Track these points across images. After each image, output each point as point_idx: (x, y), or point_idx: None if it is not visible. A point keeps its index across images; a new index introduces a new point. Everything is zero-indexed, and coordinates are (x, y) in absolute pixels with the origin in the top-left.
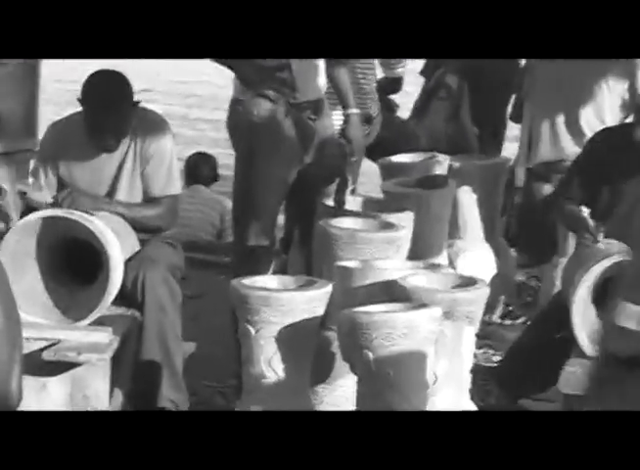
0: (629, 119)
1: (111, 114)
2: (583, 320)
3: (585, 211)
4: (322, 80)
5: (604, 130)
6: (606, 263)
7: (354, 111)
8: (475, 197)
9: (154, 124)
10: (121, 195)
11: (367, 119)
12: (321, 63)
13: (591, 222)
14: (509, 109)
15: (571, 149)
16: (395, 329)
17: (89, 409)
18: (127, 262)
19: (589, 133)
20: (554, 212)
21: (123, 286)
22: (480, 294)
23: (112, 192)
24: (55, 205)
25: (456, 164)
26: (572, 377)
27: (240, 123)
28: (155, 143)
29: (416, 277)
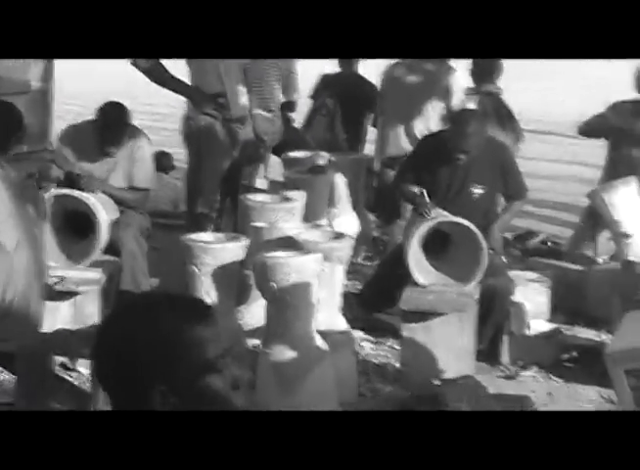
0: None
1: (112, 131)
2: (415, 260)
3: (423, 192)
4: (245, 102)
5: (427, 135)
6: (430, 224)
7: (258, 111)
8: (345, 180)
9: (139, 137)
10: (114, 181)
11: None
12: (244, 90)
13: (427, 200)
14: (370, 120)
15: (408, 147)
16: (291, 268)
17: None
18: (111, 225)
19: (419, 137)
20: (397, 191)
21: (108, 241)
22: (347, 244)
23: (108, 179)
24: (72, 181)
25: (333, 159)
26: (409, 298)
27: (191, 132)
28: (140, 150)
29: (305, 233)
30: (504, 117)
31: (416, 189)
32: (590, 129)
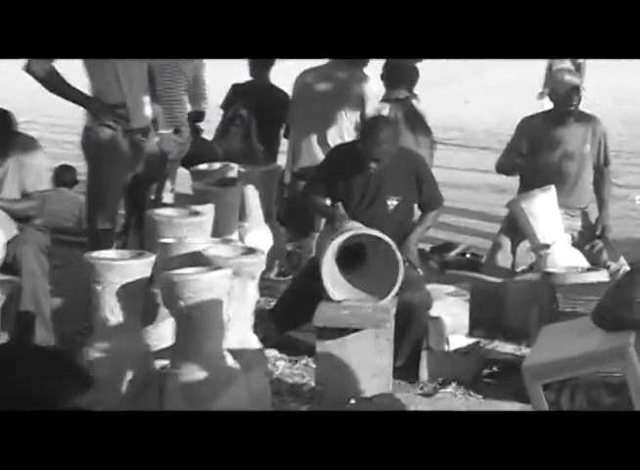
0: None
1: None
2: (329, 275)
3: (339, 205)
4: (148, 112)
5: (339, 145)
6: (343, 236)
7: (165, 131)
8: (257, 192)
9: (30, 145)
10: (6, 193)
11: (176, 131)
12: (147, 100)
13: (342, 212)
14: (282, 131)
15: (321, 158)
16: (200, 285)
17: None
18: (8, 243)
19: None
20: (308, 203)
21: (6, 260)
22: (259, 259)
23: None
24: None
25: (243, 170)
26: (323, 314)
27: (90, 144)
28: (28, 157)
29: (215, 249)
30: (416, 123)
31: (329, 202)
32: (505, 169)
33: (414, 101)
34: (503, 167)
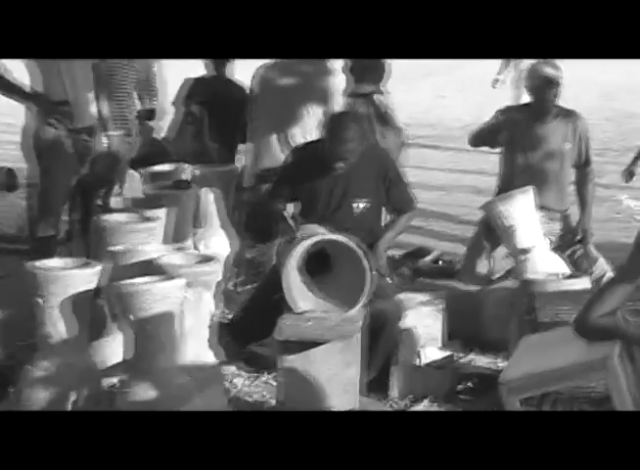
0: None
1: None
2: (292, 284)
3: (294, 215)
4: (93, 110)
5: (302, 144)
6: (307, 243)
7: (114, 133)
8: (212, 195)
9: None
10: None
11: (127, 134)
12: (92, 97)
13: (291, 224)
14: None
15: (283, 158)
16: (151, 296)
17: None
18: None
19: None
20: (265, 210)
21: None
22: (215, 268)
23: None
24: None
25: (198, 172)
26: (285, 327)
27: (32, 144)
28: None
29: (167, 257)
30: (384, 119)
31: (292, 208)
32: (480, 140)
33: (379, 96)
34: (476, 139)
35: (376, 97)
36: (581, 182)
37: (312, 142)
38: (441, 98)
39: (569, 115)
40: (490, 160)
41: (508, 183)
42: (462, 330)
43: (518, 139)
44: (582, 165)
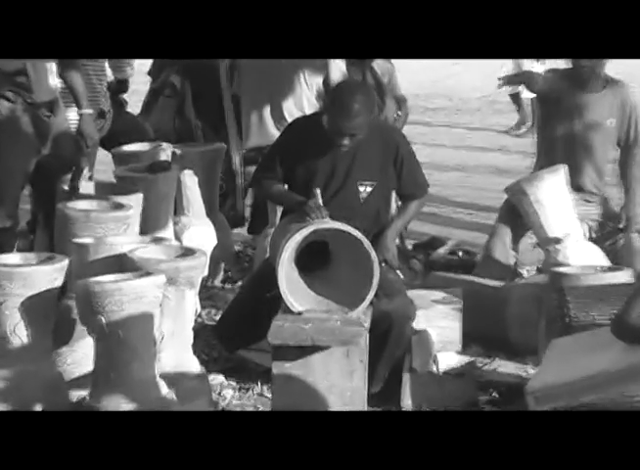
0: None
1: None
2: (287, 280)
3: (316, 192)
4: (55, 82)
5: (298, 118)
6: (304, 233)
7: (87, 111)
8: (196, 179)
9: None
10: None
11: (100, 114)
12: (54, 66)
13: (318, 201)
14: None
15: (276, 135)
16: (124, 295)
17: None
18: None
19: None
20: (261, 192)
21: None
22: (199, 262)
23: None
24: None
25: (178, 151)
26: (280, 329)
27: None
28: None
29: (143, 250)
30: (382, 89)
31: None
32: (516, 79)
33: (380, 61)
34: (510, 78)
35: (375, 62)
36: (628, 163)
37: (309, 116)
38: (455, 64)
39: (618, 87)
40: (514, 138)
41: (545, 157)
42: (483, 332)
43: (556, 105)
44: (630, 144)
